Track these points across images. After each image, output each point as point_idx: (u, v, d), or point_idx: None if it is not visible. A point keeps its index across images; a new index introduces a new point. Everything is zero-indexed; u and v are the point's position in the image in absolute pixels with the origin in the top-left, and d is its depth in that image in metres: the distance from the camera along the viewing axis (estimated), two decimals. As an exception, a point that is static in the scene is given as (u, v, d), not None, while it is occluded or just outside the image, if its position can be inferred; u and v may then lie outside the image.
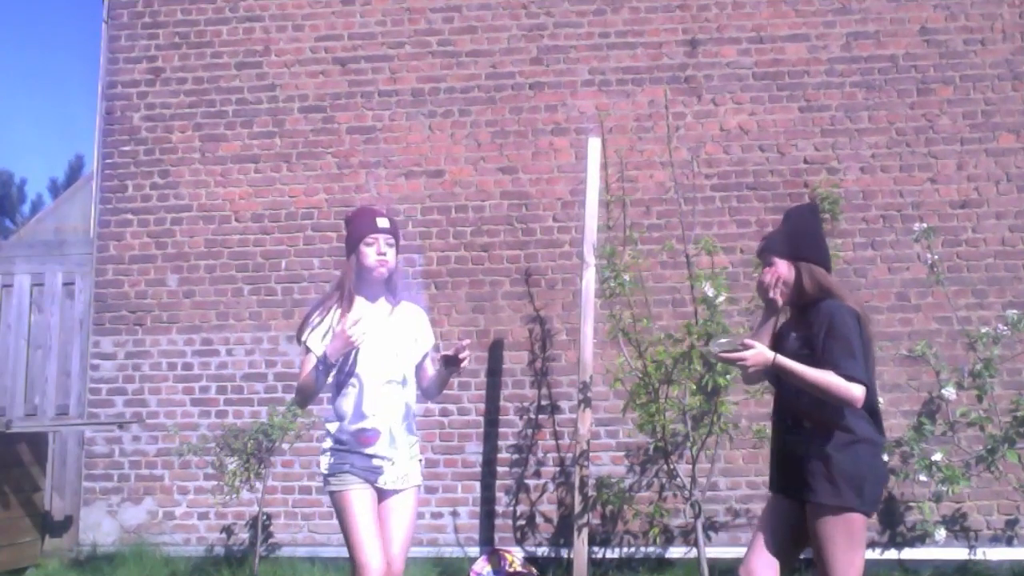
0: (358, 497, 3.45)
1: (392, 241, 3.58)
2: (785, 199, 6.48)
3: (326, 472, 3.55)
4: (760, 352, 3.15)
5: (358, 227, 3.59)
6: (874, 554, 6.00)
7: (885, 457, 3.33)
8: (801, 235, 3.39)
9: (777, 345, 3.35)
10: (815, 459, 3.19)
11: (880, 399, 3.46)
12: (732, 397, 5.31)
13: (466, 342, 3.54)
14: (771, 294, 3.35)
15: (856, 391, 3.12)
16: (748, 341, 3.18)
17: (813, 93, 6.60)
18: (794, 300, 3.37)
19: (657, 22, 6.77)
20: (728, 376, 5.06)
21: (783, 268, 3.35)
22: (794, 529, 3.33)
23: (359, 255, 3.56)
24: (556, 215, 6.67)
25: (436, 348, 3.77)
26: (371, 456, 3.50)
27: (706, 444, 5.49)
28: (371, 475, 3.50)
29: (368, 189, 6.81)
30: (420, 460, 3.71)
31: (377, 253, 3.54)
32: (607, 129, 6.35)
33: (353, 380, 3.51)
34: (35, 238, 7.81)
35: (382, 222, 3.57)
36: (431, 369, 3.73)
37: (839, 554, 3.16)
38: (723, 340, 3.21)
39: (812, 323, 3.25)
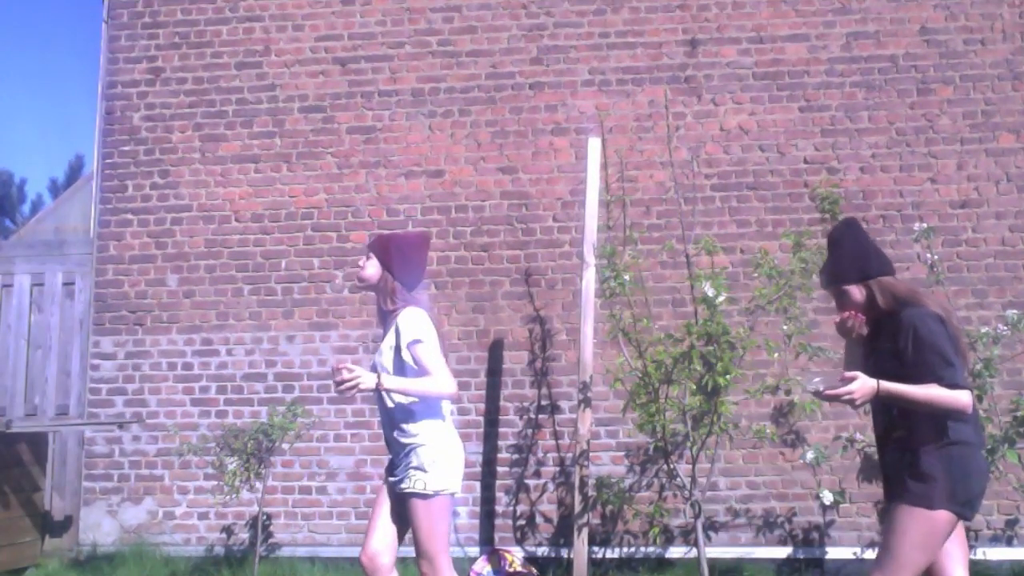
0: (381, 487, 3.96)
1: (368, 254, 3.91)
2: (785, 199, 6.49)
3: None
4: (863, 383, 3.05)
5: None
6: (874, 554, 5.99)
7: (983, 455, 3.26)
8: (859, 253, 3.33)
9: (865, 364, 3.27)
10: (906, 469, 3.14)
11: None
12: (732, 397, 5.31)
13: (349, 367, 3.58)
14: (855, 332, 3.27)
15: (964, 398, 3.07)
16: (848, 374, 3.07)
17: (813, 93, 6.60)
18: (871, 317, 3.31)
19: (657, 22, 6.77)
20: (728, 376, 5.06)
21: (856, 293, 3.30)
22: None
23: None
24: (556, 215, 6.67)
25: (413, 341, 3.76)
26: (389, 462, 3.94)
27: (706, 444, 5.49)
28: (388, 470, 3.93)
29: (368, 189, 6.81)
30: (422, 469, 3.74)
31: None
32: (607, 129, 6.35)
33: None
34: (35, 238, 7.82)
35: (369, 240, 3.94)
36: (422, 360, 3.76)
37: (906, 546, 3.07)
38: (818, 379, 3.11)
39: (896, 335, 3.18)
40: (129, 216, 6.99)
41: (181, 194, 6.97)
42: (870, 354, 3.30)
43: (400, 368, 3.79)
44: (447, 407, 3.92)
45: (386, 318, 3.90)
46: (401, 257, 3.90)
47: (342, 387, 3.57)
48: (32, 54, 37.57)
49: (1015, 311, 5.53)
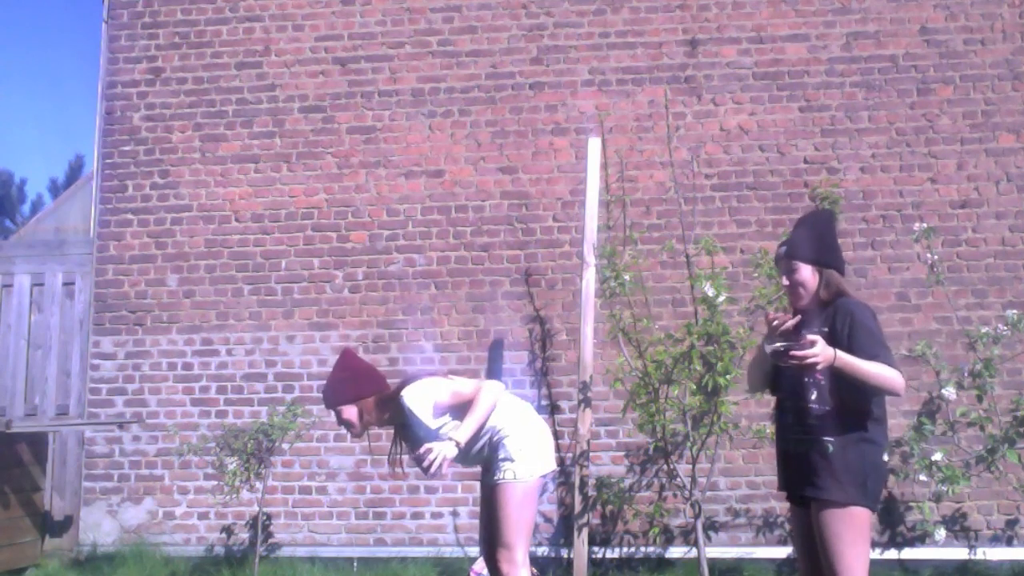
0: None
1: (338, 411, 3.94)
2: (785, 199, 6.49)
3: None
4: (824, 348, 3.10)
5: None
6: (874, 554, 5.98)
7: (885, 457, 3.34)
8: (824, 242, 3.41)
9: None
10: (818, 456, 3.21)
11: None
12: (732, 397, 5.31)
13: (425, 449, 3.74)
14: (776, 330, 3.31)
15: (898, 378, 3.16)
16: (810, 337, 3.12)
17: (813, 93, 6.60)
18: (808, 304, 3.37)
19: (657, 22, 6.77)
20: (728, 376, 5.06)
21: (807, 273, 3.35)
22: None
23: None
24: (556, 215, 6.67)
25: (437, 402, 3.92)
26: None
27: (706, 444, 5.50)
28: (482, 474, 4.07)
29: (368, 189, 6.81)
30: (508, 459, 3.88)
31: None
32: (607, 129, 6.35)
33: None
34: (35, 238, 7.81)
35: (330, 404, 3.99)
36: (461, 397, 3.92)
37: (847, 549, 3.16)
38: (779, 342, 3.14)
39: (833, 320, 3.26)
40: (129, 216, 6.99)
41: (181, 194, 6.97)
42: (802, 337, 3.33)
43: (436, 432, 3.87)
44: (511, 394, 4.05)
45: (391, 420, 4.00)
46: (350, 382, 3.97)
47: (432, 469, 3.68)
48: (32, 54, 37.58)
49: (1015, 311, 5.54)
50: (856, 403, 3.21)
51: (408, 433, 3.98)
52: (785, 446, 3.38)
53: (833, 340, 3.19)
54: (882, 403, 3.30)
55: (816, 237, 3.40)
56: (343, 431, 4.28)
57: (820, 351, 3.08)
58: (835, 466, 3.19)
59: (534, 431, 3.97)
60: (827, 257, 3.38)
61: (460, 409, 3.85)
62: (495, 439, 3.90)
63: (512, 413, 3.95)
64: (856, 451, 3.20)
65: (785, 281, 3.40)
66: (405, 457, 4.04)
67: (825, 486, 3.19)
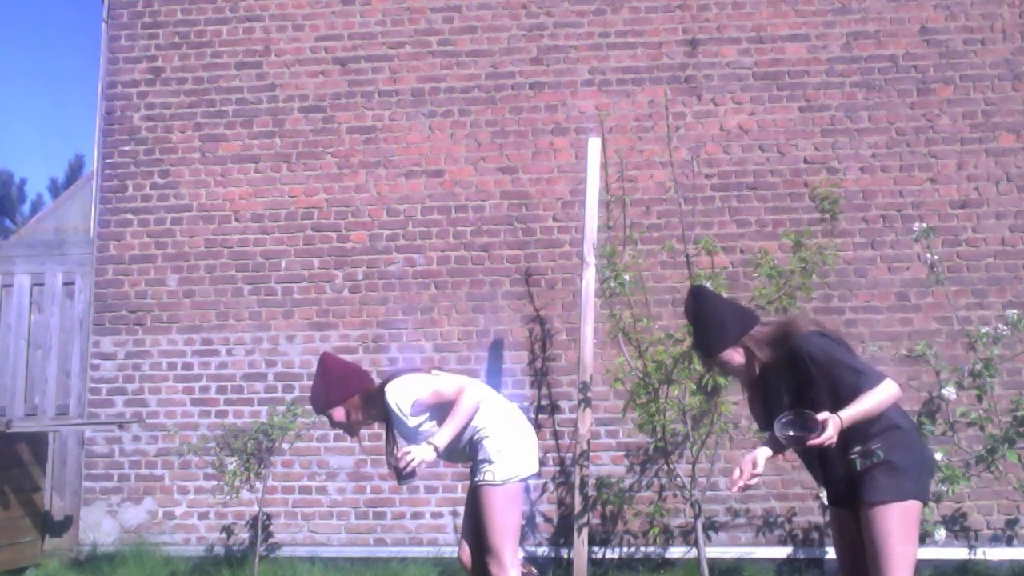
0: None
1: (330, 415, 3.96)
2: (785, 199, 6.49)
3: None
4: (833, 421, 3.04)
5: None
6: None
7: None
8: (719, 321, 3.33)
9: (775, 403, 3.28)
10: (872, 465, 3.16)
11: None
12: (732, 397, 5.31)
13: (403, 452, 3.75)
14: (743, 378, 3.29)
15: (891, 386, 3.12)
16: (820, 417, 3.04)
17: (813, 93, 6.60)
18: (762, 367, 3.33)
19: (657, 22, 6.77)
20: (728, 376, 5.05)
21: (734, 357, 3.32)
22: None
23: None
24: (556, 215, 6.67)
25: (416, 401, 3.93)
26: None
27: (706, 444, 5.50)
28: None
29: (368, 189, 6.81)
30: (487, 460, 3.86)
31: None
32: (607, 129, 6.35)
33: None
34: (35, 238, 7.81)
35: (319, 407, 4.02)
36: (443, 397, 3.92)
37: (896, 546, 3.09)
38: (785, 421, 3.06)
39: (795, 370, 3.20)
40: (129, 216, 6.99)
41: (181, 194, 6.97)
42: (779, 394, 3.28)
43: (417, 430, 3.88)
44: (497, 394, 4.04)
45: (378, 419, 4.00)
46: (334, 385, 3.99)
47: (407, 470, 3.69)
48: (32, 54, 37.56)
49: (1015, 311, 5.53)
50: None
51: (394, 428, 3.99)
52: (824, 466, 3.30)
53: (812, 387, 3.15)
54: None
55: (708, 326, 3.33)
56: (341, 431, 4.28)
57: (832, 431, 3.03)
58: (887, 466, 3.13)
59: (516, 432, 3.92)
60: (729, 333, 3.30)
61: (441, 409, 3.83)
62: (475, 438, 3.87)
63: (494, 413, 3.91)
64: (900, 445, 3.16)
65: (722, 375, 3.38)
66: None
67: (878, 486, 3.13)
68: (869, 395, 3.09)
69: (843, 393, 3.12)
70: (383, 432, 4.05)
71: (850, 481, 3.20)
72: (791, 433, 3.06)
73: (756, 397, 3.40)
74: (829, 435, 3.02)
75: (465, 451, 3.93)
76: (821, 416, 3.04)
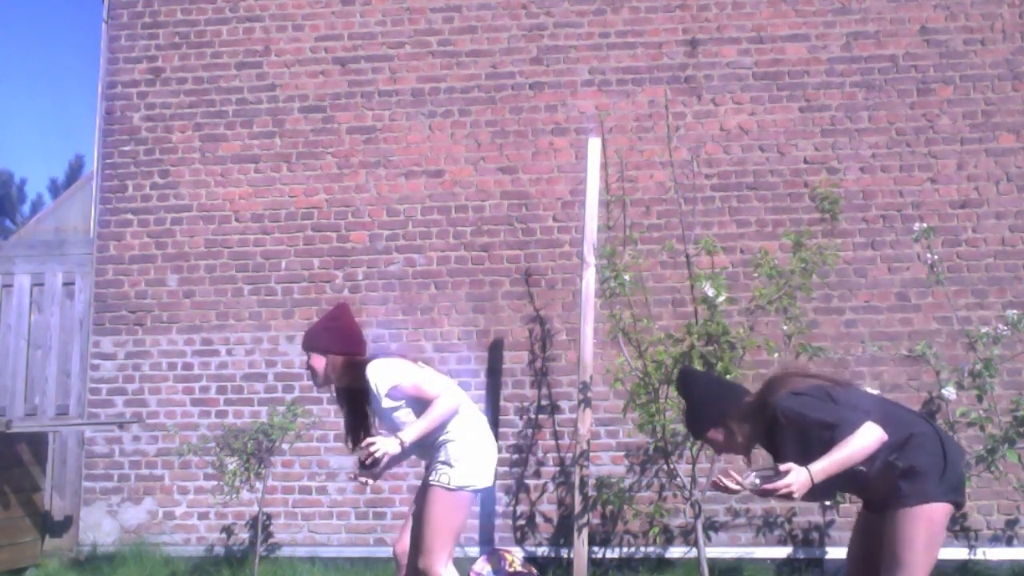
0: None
1: (307, 354, 4.01)
2: (785, 199, 6.49)
3: None
4: (798, 474, 2.99)
5: None
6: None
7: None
8: (705, 400, 3.39)
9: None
10: (890, 476, 3.12)
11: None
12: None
13: (367, 441, 3.74)
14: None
15: (872, 432, 3.02)
16: (784, 466, 3.02)
17: (813, 93, 6.60)
18: (753, 442, 3.34)
19: (657, 22, 6.77)
20: (728, 376, 5.06)
21: (718, 437, 3.37)
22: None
23: None
24: (556, 215, 6.67)
25: (395, 386, 3.93)
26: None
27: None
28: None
29: (368, 189, 6.82)
30: (446, 462, 3.88)
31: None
32: (607, 129, 6.35)
33: None
34: (35, 238, 7.81)
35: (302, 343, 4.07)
36: (418, 393, 3.92)
37: (916, 554, 3.05)
38: (754, 473, 3.06)
39: (785, 439, 3.18)
40: (129, 216, 6.99)
41: (181, 194, 6.97)
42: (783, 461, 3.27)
43: (389, 415, 3.91)
44: (471, 404, 4.05)
45: (350, 389, 4.01)
46: (336, 333, 4.02)
47: (370, 461, 3.68)
48: (32, 54, 37.58)
49: (1015, 311, 5.53)
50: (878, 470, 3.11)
51: (359, 407, 4.03)
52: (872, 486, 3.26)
53: (806, 453, 3.09)
54: (889, 409, 3.25)
55: (690, 409, 3.42)
56: (343, 431, 4.29)
57: (794, 479, 2.98)
58: (905, 471, 3.09)
59: (479, 444, 3.94)
60: (707, 416, 3.35)
61: (418, 403, 3.85)
62: (440, 440, 3.87)
63: (464, 422, 3.92)
64: (918, 448, 3.10)
65: (716, 451, 3.43)
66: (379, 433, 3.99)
67: (904, 491, 3.09)
68: (842, 444, 3.01)
69: (815, 451, 3.06)
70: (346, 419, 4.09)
71: (877, 489, 3.17)
72: (757, 482, 3.05)
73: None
74: (787, 483, 2.97)
75: (428, 450, 3.93)
76: (784, 466, 3.02)
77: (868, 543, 3.27)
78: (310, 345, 4.01)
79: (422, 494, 3.97)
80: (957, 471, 3.15)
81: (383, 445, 3.68)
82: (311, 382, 4.16)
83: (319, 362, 3.98)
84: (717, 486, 3.12)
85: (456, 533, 3.92)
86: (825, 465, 2.99)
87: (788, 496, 2.99)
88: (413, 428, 3.77)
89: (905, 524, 3.06)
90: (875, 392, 3.49)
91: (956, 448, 3.23)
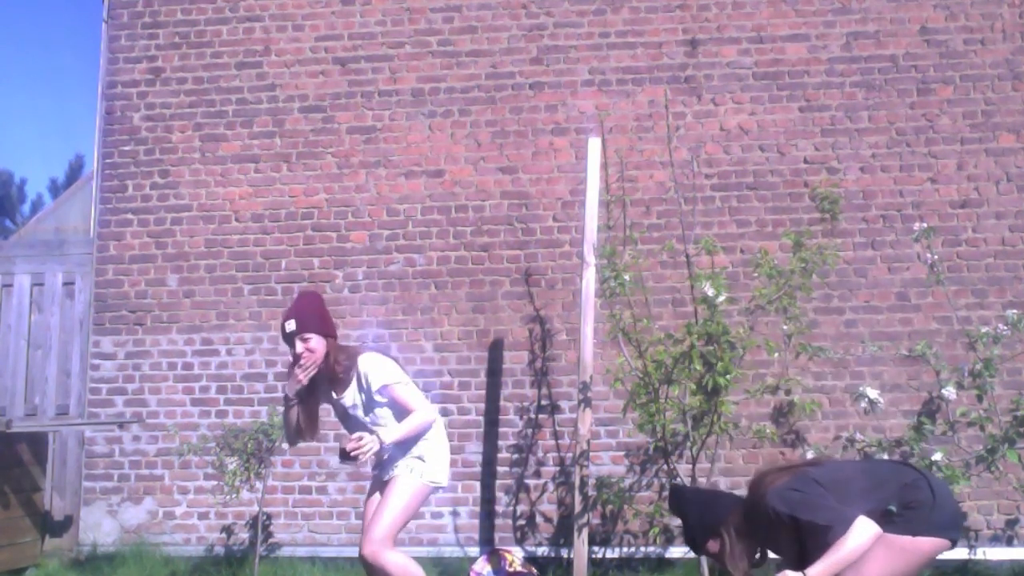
0: (369, 490, 4.21)
1: (306, 336, 3.94)
2: (785, 199, 6.49)
3: None
4: None
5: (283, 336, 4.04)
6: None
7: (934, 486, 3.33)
8: (702, 515, 3.46)
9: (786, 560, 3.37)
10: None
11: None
12: (732, 397, 5.31)
13: (357, 436, 3.84)
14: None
15: (866, 530, 3.12)
16: (781, 574, 3.13)
17: (813, 93, 6.60)
18: (753, 548, 3.39)
19: (657, 22, 6.77)
20: (728, 376, 5.06)
21: (713, 548, 3.43)
22: None
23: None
24: (556, 215, 6.67)
25: (387, 384, 4.04)
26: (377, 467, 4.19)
27: (706, 444, 5.49)
28: (379, 472, 4.18)
29: (368, 189, 6.82)
30: (420, 457, 4.05)
31: (294, 359, 3.97)
32: (607, 129, 6.35)
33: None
34: (35, 238, 7.81)
35: (288, 326, 3.97)
36: (403, 397, 4.04)
37: (869, 570, 3.16)
38: None
39: (781, 528, 3.24)
40: (129, 216, 6.99)
41: (181, 194, 6.97)
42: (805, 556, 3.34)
43: (371, 409, 3.99)
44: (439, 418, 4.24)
45: (335, 377, 4.02)
46: (326, 317, 4.08)
47: (356, 454, 3.74)
48: (32, 54, 37.56)
49: (1015, 311, 5.53)
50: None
51: (315, 402, 4.07)
52: None
53: (801, 551, 3.18)
54: (872, 473, 3.36)
55: (695, 523, 3.48)
56: (342, 431, 4.30)
57: None
58: (903, 510, 3.21)
59: (444, 447, 4.15)
60: (708, 526, 3.41)
61: (397, 407, 3.96)
62: (412, 445, 4.04)
63: (435, 430, 4.11)
64: (910, 492, 3.24)
65: (720, 565, 3.47)
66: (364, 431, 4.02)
67: (896, 525, 3.22)
68: (847, 541, 3.09)
69: (810, 550, 3.16)
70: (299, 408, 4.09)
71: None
72: None
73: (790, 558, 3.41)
74: None
75: (399, 449, 4.02)
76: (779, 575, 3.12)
77: None
78: (311, 327, 3.96)
79: (381, 487, 4.09)
80: (949, 508, 3.30)
81: (370, 442, 3.77)
82: (298, 370, 3.99)
83: (321, 345, 3.97)
84: None
85: (407, 521, 4.10)
86: (823, 568, 3.10)
87: None
88: (396, 432, 3.90)
89: (883, 550, 3.18)
90: (855, 460, 3.57)
91: (944, 487, 3.37)
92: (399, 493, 3.97)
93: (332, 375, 4.02)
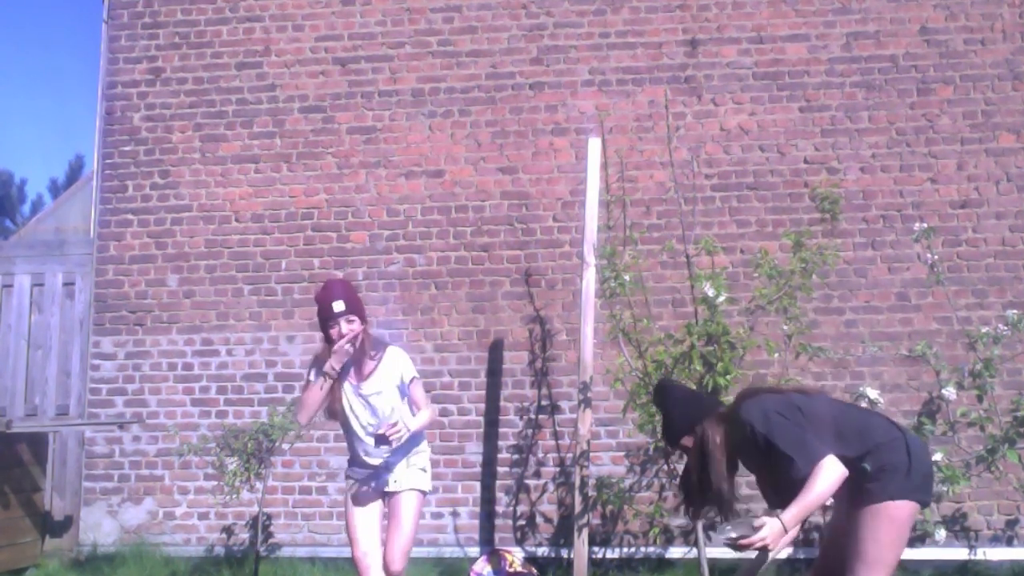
0: (355, 492, 4.20)
1: (352, 318, 4.07)
2: (785, 199, 6.49)
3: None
4: (771, 526, 3.08)
5: (319, 312, 4.15)
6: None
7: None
8: (668, 415, 3.48)
9: (759, 479, 3.38)
10: (856, 480, 3.19)
11: (879, 399, 3.49)
12: (732, 397, 5.30)
13: (394, 421, 3.96)
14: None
15: (833, 470, 3.09)
16: (758, 521, 3.12)
17: (813, 93, 6.60)
18: (723, 450, 3.36)
19: (657, 22, 6.77)
20: (728, 376, 5.06)
21: (690, 444, 3.41)
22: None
23: (326, 338, 4.11)
24: (556, 215, 6.67)
25: (415, 378, 4.26)
26: (368, 472, 4.20)
27: (706, 444, 5.48)
28: (369, 480, 4.20)
29: (368, 189, 6.81)
30: (423, 469, 4.24)
31: (337, 336, 4.04)
32: (607, 129, 6.35)
33: (349, 435, 4.20)
34: (35, 238, 7.81)
35: (337, 306, 4.07)
36: (418, 396, 4.23)
37: (881, 550, 3.15)
38: (729, 527, 3.14)
39: (756, 446, 3.24)
40: (129, 216, 6.99)
41: (181, 194, 6.97)
42: (756, 471, 3.37)
43: (399, 398, 4.18)
44: None
45: (363, 362, 4.13)
46: (362, 303, 4.26)
47: (393, 437, 3.90)
48: (32, 54, 37.57)
49: (1015, 311, 5.53)
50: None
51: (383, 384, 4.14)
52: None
53: (771, 473, 3.20)
54: (855, 419, 3.32)
55: (666, 415, 3.48)
56: (341, 431, 4.32)
57: (767, 532, 3.07)
58: (877, 472, 3.17)
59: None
60: (678, 425, 3.41)
61: (407, 404, 4.17)
62: (414, 448, 4.18)
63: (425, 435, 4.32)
64: (888, 452, 3.20)
65: (689, 467, 3.47)
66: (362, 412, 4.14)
67: (871, 490, 3.18)
68: (815, 483, 3.07)
69: (780, 475, 3.16)
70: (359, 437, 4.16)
71: (855, 489, 3.23)
72: (733, 535, 3.14)
73: (709, 483, 3.40)
74: (761, 537, 3.07)
75: (400, 448, 4.10)
76: (758, 522, 3.11)
77: (837, 541, 3.35)
78: (355, 310, 4.11)
79: (377, 496, 4.21)
80: (923, 470, 3.25)
81: (403, 428, 3.92)
82: (346, 344, 4.05)
83: (360, 328, 4.10)
84: (739, 548, 3.15)
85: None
86: (795, 512, 3.09)
87: (764, 549, 3.10)
88: (418, 420, 4.09)
89: (870, 521, 3.16)
90: (844, 402, 3.54)
91: (921, 448, 3.32)
92: (415, 510, 4.19)
93: (360, 360, 4.12)
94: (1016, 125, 6.45)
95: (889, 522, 3.15)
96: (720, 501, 3.39)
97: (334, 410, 4.13)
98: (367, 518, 4.18)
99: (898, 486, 3.16)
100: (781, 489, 3.19)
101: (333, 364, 4.02)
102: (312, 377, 4.13)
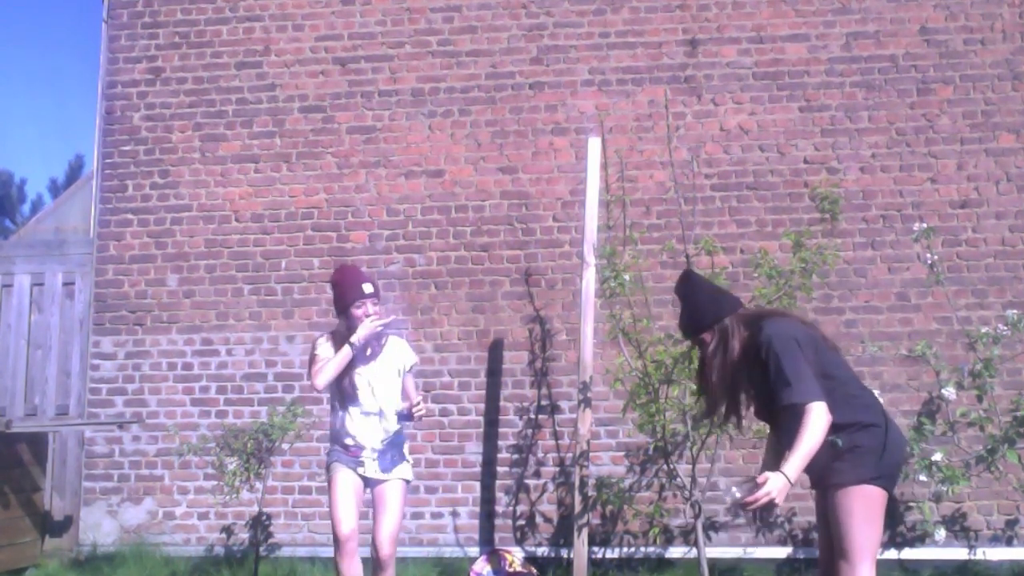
0: (341, 475, 4.30)
1: (377, 301, 4.26)
2: (785, 199, 6.49)
3: (326, 459, 4.47)
4: (775, 480, 3.11)
5: (345, 293, 4.24)
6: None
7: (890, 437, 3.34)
8: (701, 303, 3.50)
9: (746, 390, 3.48)
10: (829, 456, 3.25)
11: (873, 391, 3.54)
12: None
13: (420, 399, 4.28)
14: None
15: (819, 417, 3.14)
16: (760, 477, 3.15)
17: (813, 93, 6.60)
18: (740, 353, 3.41)
19: (657, 22, 6.77)
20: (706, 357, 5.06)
21: (710, 339, 3.46)
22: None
23: (349, 317, 4.23)
24: (556, 215, 6.67)
25: (413, 367, 4.52)
26: (355, 458, 4.33)
27: (706, 444, 5.49)
28: (355, 465, 4.32)
29: (368, 189, 6.82)
30: (408, 460, 4.43)
31: (364, 316, 4.21)
32: (607, 129, 6.35)
33: (339, 409, 4.32)
34: (35, 238, 7.81)
35: (367, 288, 4.24)
36: (410, 385, 4.46)
37: (858, 526, 3.21)
38: (734, 488, 3.27)
39: (759, 354, 3.31)
40: (129, 216, 6.99)
41: (181, 194, 6.97)
42: (747, 381, 3.43)
43: (398, 384, 4.41)
44: None
45: (373, 345, 4.31)
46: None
47: (419, 414, 4.20)
48: (32, 54, 37.56)
49: (1015, 311, 5.53)
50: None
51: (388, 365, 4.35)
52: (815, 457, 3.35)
53: (765, 388, 3.27)
54: (853, 391, 3.36)
55: (689, 305, 3.53)
56: (366, 308, 4.42)
57: (772, 486, 3.10)
58: (849, 452, 3.24)
59: None
60: (706, 316, 3.46)
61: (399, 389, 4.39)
62: (401, 434, 4.40)
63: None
64: (866, 435, 3.26)
65: (704, 363, 3.51)
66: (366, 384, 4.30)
67: (841, 469, 3.25)
68: (805, 433, 3.13)
69: (776, 396, 3.24)
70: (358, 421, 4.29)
71: (822, 464, 3.28)
72: (738, 495, 3.19)
73: (725, 383, 3.46)
74: (767, 491, 3.10)
75: (397, 446, 4.36)
76: (760, 477, 3.15)
77: (826, 525, 3.42)
78: (379, 295, 4.31)
79: (388, 489, 4.35)
80: (895, 460, 3.33)
81: (424, 407, 4.26)
82: (377, 321, 4.22)
83: (376, 302, 4.29)
84: (746, 507, 3.17)
85: None
86: (796, 464, 3.15)
87: (770, 503, 3.12)
88: (421, 403, 4.29)
89: (843, 500, 3.24)
90: (852, 370, 3.56)
91: (899, 439, 3.38)
92: (402, 497, 4.39)
93: (371, 344, 4.31)
94: (1016, 125, 6.45)
95: (864, 500, 3.22)
96: (729, 399, 3.47)
97: (342, 386, 4.24)
98: (350, 501, 4.29)
99: (868, 470, 3.23)
100: (764, 406, 3.32)
101: (361, 336, 4.17)
102: (321, 352, 4.24)
